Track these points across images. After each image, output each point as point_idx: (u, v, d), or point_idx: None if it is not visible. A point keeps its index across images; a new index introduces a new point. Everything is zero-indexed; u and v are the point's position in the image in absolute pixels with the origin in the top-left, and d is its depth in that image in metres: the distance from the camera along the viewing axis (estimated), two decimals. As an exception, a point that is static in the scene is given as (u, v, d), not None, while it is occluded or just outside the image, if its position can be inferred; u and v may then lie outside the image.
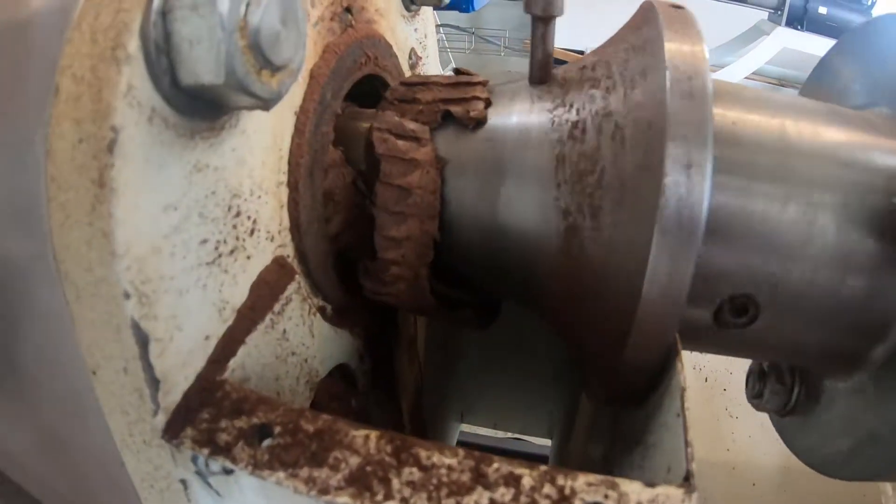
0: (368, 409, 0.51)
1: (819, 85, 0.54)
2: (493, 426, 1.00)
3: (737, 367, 0.81)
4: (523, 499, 0.23)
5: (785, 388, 0.49)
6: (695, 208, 0.29)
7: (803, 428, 0.48)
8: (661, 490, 0.24)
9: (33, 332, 0.30)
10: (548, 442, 1.01)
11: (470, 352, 0.86)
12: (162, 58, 0.23)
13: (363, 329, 0.48)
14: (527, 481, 0.24)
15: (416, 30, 0.56)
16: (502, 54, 3.12)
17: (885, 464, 0.38)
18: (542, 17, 0.44)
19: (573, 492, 0.24)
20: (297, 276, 0.36)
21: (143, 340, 0.26)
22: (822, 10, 2.32)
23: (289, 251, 0.37)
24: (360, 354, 0.48)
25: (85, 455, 0.34)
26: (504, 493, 0.23)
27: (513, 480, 0.24)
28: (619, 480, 0.24)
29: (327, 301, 0.42)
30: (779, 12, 2.40)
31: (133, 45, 0.23)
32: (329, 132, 0.38)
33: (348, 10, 0.41)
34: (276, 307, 0.34)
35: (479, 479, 0.24)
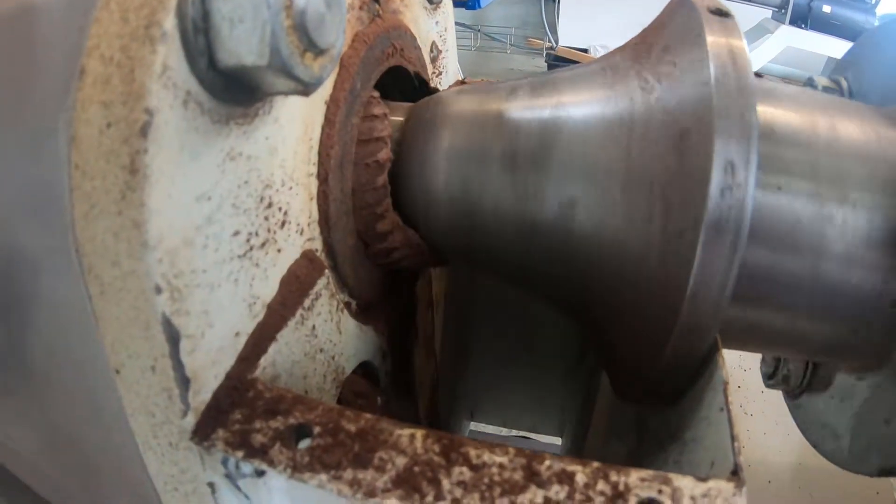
0: (391, 408, 0.50)
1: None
2: (503, 424, 0.99)
3: (751, 364, 0.80)
4: (578, 496, 0.22)
5: (798, 370, 0.50)
6: (740, 208, 0.28)
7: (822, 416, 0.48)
8: (712, 484, 0.24)
9: (46, 328, 0.29)
10: (555, 440, 1.00)
11: (480, 350, 0.85)
12: (200, 37, 0.22)
13: (386, 326, 0.46)
14: (580, 478, 0.23)
15: (437, 23, 0.55)
16: (508, 52, 3.12)
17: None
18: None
19: (627, 488, 0.23)
20: (326, 271, 0.35)
21: (174, 337, 0.25)
22: (826, 8, 2.32)
23: (317, 245, 0.35)
24: (382, 352, 0.47)
25: (98, 455, 0.33)
26: (558, 490, 0.22)
27: (566, 478, 0.23)
28: (671, 476, 0.24)
29: (352, 297, 0.40)
30: (782, 10, 2.40)
31: (169, 22, 0.22)
32: (359, 124, 0.37)
33: (376, -1, 0.40)
34: (306, 303, 0.33)
35: (532, 477, 0.23)
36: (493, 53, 3.11)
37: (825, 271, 0.35)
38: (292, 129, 0.31)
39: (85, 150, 0.23)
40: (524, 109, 0.37)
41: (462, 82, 0.66)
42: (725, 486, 0.24)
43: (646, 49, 0.36)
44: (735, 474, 0.26)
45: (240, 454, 0.25)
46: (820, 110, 0.38)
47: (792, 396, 0.53)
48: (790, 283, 0.35)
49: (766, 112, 0.36)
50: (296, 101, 0.30)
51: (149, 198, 0.23)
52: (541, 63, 3.05)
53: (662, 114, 0.32)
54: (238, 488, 0.28)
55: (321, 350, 0.35)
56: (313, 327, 0.34)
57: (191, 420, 0.26)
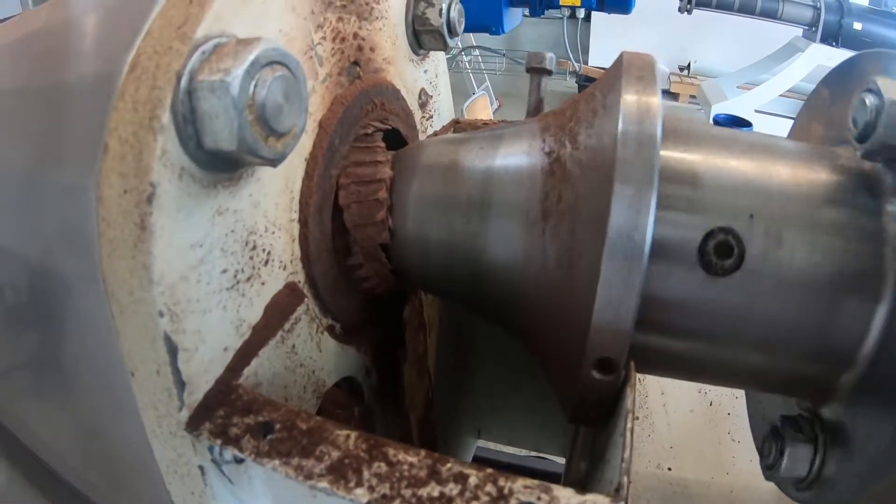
0: (375, 420, 0.56)
1: (811, 117, 0.56)
2: (509, 443, 1.02)
3: (743, 392, 0.81)
4: (467, 494, 0.28)
5: (806, 438, 0.42)
6: (638, 244, 0.33)
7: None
8: (590, 497, 0.28)
9: (79, 338, 0.36)
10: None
11: (486, 369, 0.89)
12: (189, 127, 0.30)
13: (370, 347, 0.53)
14: (473, 480, 0.28)
15: (425, 71, 0.62)
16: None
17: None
18: (537, 69, 0.51)
19: (511, 492, 0.28)
20: (306, 300, 0.42)
21: (172, 350, 0.32)
22: (857, 25, 2.26)
23: (300, 278, 0.42)
24: (366, 369, 0.53)
25: (118, 445, 0.40)
26: (453, 487, 0.28)
27: (461, 478, 0.28)
28: (553, 486, 0.28)
29: (336, 321, 0.47)
30: (813, 29, 2.36)
31: (166, 117, 0.29)
32: (336, 174, 0.44)
33: (356, 63, 0.47)
34: (287, 325, 0.40)
35: (434, 475, 0.29)
36: (521, 76, 3.17)
37: (745, 304, 0.38)
38: (273, 185, 0.38)
39: (109, 208, 0.31)
40: (470, 160, 0.43)
41: (456, 122, 0.72)
42: (601, 500, 0.27)
43: (583, 100, 0.41)
44: (617, 492, 0.29)
45: (219, 442, 0.32)
46: (751, 154, 0.41)
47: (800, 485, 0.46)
48: (705, 314, 0.38)
49: (686, 159, 0.40)
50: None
51: (154, 247, 0.30)
52: (573, 84, 3.09)
53: (580, 160, 0.37)
54: (223, 472, 0.35)
55: (301, 365, 0.42)
56: (293, 346, 0.41)
57: (185, 414, 0.33)
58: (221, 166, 0.32)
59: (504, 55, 3.07)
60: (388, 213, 0.45)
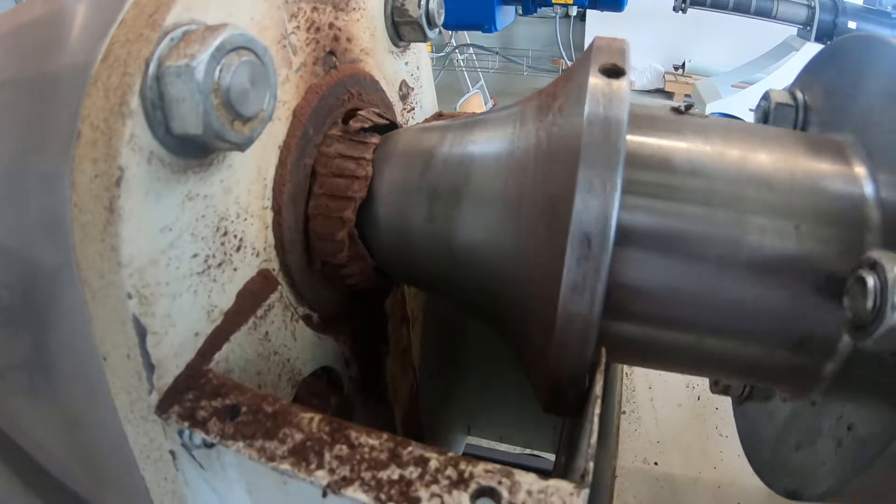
0: (355, 413, 0.57)
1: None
2: (500, 439, 1.01)
3: (730, 387, 0.82)
4: (427, 477, 0.28)
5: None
6: (604, 229, 0.33)
7: (757, 426, 0.49)
8: (552, 482, 0.28)
9: (58, 325, 0.37)
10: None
11: (477, 365, 0.89)
12: (157, 112, 0.30)
13: (350, 337, 0.53)
14: (433, 464, 0.28)
15: (406, 63, 0.62)
16: (525, 73, 3.19)
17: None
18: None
19: (471, 476, 0.28)
20: (279, 287, 0.42)
21: (141, 333, 0.33)
22: (852, 24, 2.28)
23: (274, 265, 0.43)
24: (345, 360, 0.53)
25: (96, 434, 0.40)
26: (413, 470, 0.28)
27: (422, 462, 0.29)
28: (515, 471, 0.28)
29: (312, 310, 0.47)
30: (808, 28, 2.37)
31: (135, 102, 0.30)
32: (311, 163, 0.44)
33: (332, 53, 0.47)
34: (259, 312, 0.40)
35: (395, 458, 0.29)
36: (518, 74, 3.19)
37: (720, 291, 0.38)
38: (246, 172, 0.38)
39: (81, 193, 0.31)
40: (446, 147, 0.43)
41: (440, 115, 0.73)
42: (565, 486, 0.27)
43: (556, 86, 0.42)
44: (582, 478, 0.29)
45: (187, 424, 0.33)
46: (735, 141, 0.41)
47: (737, 402, 0.55)
48: (679, 301, 0.38)
49: (663, 145, 0.39)
50: (248, 149, 0.38)
51: (122, 230, 0.31)
52: (567, 82, 3.10)
53: (547, 147, 0.37)
54: (193, 457, 0.36)
55: (275, 353, 0.42)
56: (266, 333, 0.41)
57: (155, 397, 0.34)
58: (191, 151, 0.32)
59: (498, 53, 3.08)
60: (349, 232, 0.44)
